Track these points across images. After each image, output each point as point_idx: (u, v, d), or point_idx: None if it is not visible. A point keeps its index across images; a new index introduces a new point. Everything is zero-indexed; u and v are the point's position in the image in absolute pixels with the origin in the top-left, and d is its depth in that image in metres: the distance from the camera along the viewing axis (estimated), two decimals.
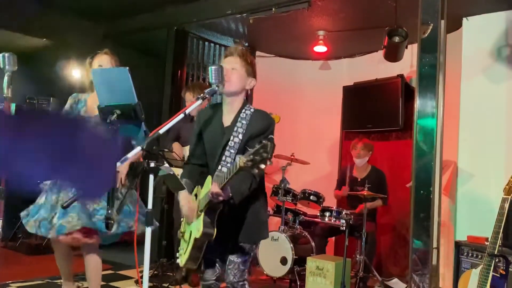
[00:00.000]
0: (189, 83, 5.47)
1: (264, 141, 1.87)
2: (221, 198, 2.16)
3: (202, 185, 2.38)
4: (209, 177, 2.33)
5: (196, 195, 2.39)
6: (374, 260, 4.96)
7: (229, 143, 2.31)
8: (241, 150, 2.25)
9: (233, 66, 2.37)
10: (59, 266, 3.15)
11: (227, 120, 2.40)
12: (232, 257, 2.36)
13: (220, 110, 2.44)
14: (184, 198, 2.35)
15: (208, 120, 2.45)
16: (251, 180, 2.22)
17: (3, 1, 4.93)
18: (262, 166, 1.85)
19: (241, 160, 1.91)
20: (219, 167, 2.30)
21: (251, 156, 1.87)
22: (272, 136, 1.92)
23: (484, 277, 2.92)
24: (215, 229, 2.21)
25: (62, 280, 3.23)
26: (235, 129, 2.32)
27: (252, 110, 2.38)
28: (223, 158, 2.31)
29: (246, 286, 2.38)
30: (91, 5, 5.44)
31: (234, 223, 2.33)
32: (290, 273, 4.39)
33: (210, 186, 2.22)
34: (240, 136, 2.30)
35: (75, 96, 3.15)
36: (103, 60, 3.04)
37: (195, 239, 2.23)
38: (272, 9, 4.59)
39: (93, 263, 3.00)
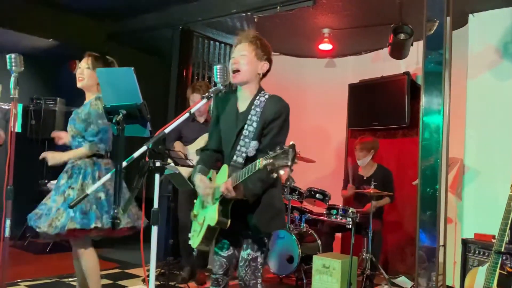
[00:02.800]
0: (194, 82, 5.49)
1: (285, 147, 1.85)
2: (231, 196, 2.15)
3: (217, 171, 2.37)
4: (225, 166, 2.30)
5: (210, 178, 2.36)
6: (381, 257, 4.95)
7: (243, 131, 2.28)
8: (257, 138, 2.24)
9: (241, 52, 2.33)
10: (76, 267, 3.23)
11: (241, 107, 2.36)
12: (244, 254, 2.33)
13: (235, 96, 2.41)
14: (199, 179, 2.30)
15: (224, 106, 2.42)
16: (265, 176, 2.18)
17: (9, 2, 4.96)
18: (281, 172, 1.84)
19: (261, 162, 1.91)
20: (234, 156, 2.27)
21: (271, 160, 1.86)
22: (293, 143, 1.88)
23: (491, 274, 2.91)
24: (229, 219, 2.19)
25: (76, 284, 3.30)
26: (249, 117, 2.28)
27: (266, 96, 2.33)
28: (238, 147, 2.28)
29: (259, 286, 2.33)
30: (96, 5, 5.46)
31: (246, 212, 2.28)
32: (296, 271, 4.39)
33: (226, 176, 2.21)
34: (255, 125, 2.26)
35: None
36: (81, 62, 3.14)
37: (209, 226, 2.22)
38: (277, 7, 4.59)
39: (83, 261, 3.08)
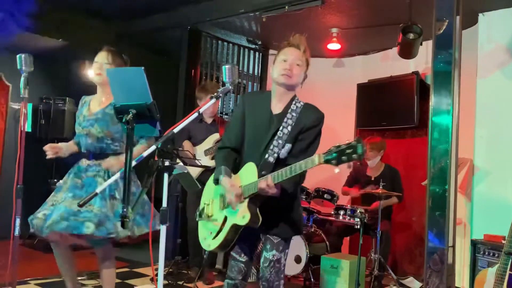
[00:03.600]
0: (203, 82, 5.50)
1: (352, 142, 1.87)
2: (270, 193, 2.13)
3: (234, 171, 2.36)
4: (252, 165, 2.28)
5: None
6: (390, 258, 4.93)
7: (278, 132, 2.29)
8: (290, 141, 2.27)
9: (297, 62, 2.35)
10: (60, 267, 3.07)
11: (276, 109, 2.37)
12: (268, 255, 2.31)
13: (269, 97, 2.41)
14: (230, 184, 2.26)
15: (254, 105, 2.42)
16: (298, 178, 2.21)
17: (18, 4, 5.00)
18: (347, 166, 1.91)
19: (320, 157, 1.92)
20: (266, 155, 2.27)
21: (334, 155, 1.89)
22: (359, 137, 1.91)
23: (500, 276, 2.89)
24: (260, 217, 2.19)
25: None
26: (285, 120, 2.30)
27: (302, 103, 2.38)
28: (271, 147, 2.28)
29: (281, 287, 2.34)
30: (105, 5, 5.49)
31: (270, 215, 2.27)
32: (304, 271, 4.39)
33: (255, 175, 2.20)
34: (289, 128, 2.28)
35: (82, 98, 3.16)
36: (99, 57, 3.02)
37: (235, 226, 2.22)
38: (285, 7, 4.58)
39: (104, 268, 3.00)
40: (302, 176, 2.23)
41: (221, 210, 2.36)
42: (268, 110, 2.37)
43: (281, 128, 2.29)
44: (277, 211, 2.31)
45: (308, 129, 2.29)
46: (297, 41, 2.40)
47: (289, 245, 2.40)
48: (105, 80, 2.94)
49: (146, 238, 2.22)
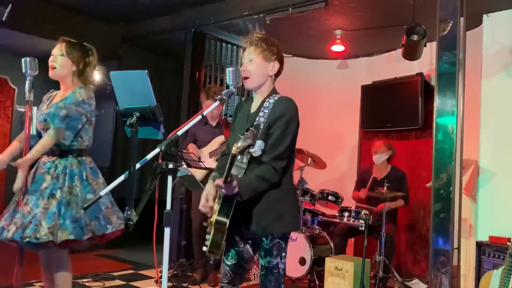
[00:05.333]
0: (207, 85, 5.52)
1: (251, 128, 1.89)
2: (223, 191, 2.06)
3: None
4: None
5: None
6: (395, 260, 4.92)
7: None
8: (262, 138, 2.16)
9: (249, 57, 2.30)
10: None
11: (253, 108, 2.36)
12: (263, 262, 2.25)
13: (252, 100, 2.40)
14: (205, 192, 2.27)
15: (241, 110, 2.43)
16: (270, 174, 2.15)
17: (25, 6, 5.04)
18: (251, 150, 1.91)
19: (234, 147, 1.92)
20: (239, 156, 2.20)
21: (241, 143, 1.90)
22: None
23: (505, 278, 2.88)
24: (228, 218, 2.11)
25: None
26: (257, 118, 2.25)
27: (276, 98, 2.29)
28: None
29: None
30: (109, 8, 5.52)
31: (249, 211, 2.20)
32: (309, 273, 4.38)
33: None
34: (261, 125, 2.22)
35: (50, 91, 3.03)
36: (54, 48, 2.85)
37: (214, 222, 2.16)
38: (289, 9, 4.59)
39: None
40: (275, 172, 2.16)
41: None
42: (248, 111, 2.36)
43: (251, 127, 2.22)
44: (257, 207, 2.21)
45: (275, 121, 2.20)
46: (247, 41, 2.33)
47: (286, 248, 2.27)
48: (59, 74, 2.82)
49: (152, 239, 2.21)
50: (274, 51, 2.33)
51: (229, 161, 2.00)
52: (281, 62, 2.37)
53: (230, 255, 2.35)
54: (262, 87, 2.34)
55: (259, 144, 2.17)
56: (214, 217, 2.17)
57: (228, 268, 2.34)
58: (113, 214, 2.82)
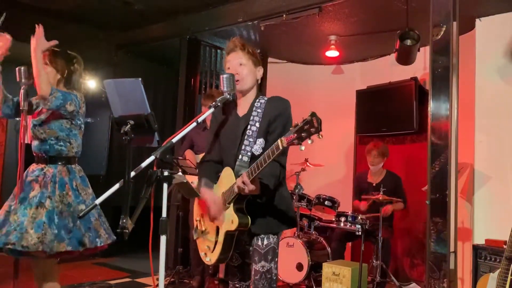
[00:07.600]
0: (202, 91, 5.52)
1: (307, 118, 1.84)
2: (248, 190, 2.08)
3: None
4: (228, 169, 2.28)
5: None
6: (392, 264, 4.92)
7: (246, 131, 2.28)
8: (262, 136, 2.24)
9: (240, 61, 2.34)
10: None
11: (242, 111, 2.38)
12: (257, 266, 2.26)
13: (234, 104, 2.42)
14: (210, 199, 2.28)
15: (222, 116, 2.44)
16: (279, 170, 2.19)
17: (19, 14, 5.03)
18: (309, 142, 1.85)
19: (282, 141, 1.89)
20: (240, 156, 2.26)
21: (295, 135, 1.85)
22: (313, 112, 1.85)
23: (502, 281, 2.88)
24: (249, 217, 2.17)
25: None
26: (251, 118, 2.29)
27: (265, 98, 2.36)
28: (243, 147, 2.27)
29: None
30: (104, 16, 5.52)
31: (254, 214, 2.23)
32: (306, 279, 4.38)
33: (233, 177, 2.19)
34: (257, 124, 2.26)
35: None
36: None
37: (227, 233, 2.20)
38: (283, 15, 4.61)
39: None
40: (282, 168, 2.21)
41: (212, 223, 2.36)
42: (235, 114, 2.39)
43: (248, 126, 2.28)
44: (261, 208, 2.25)
45: (276, 118, 2.26)
46: (232, 46, 2.38)
47: (278, 253, 2.32)
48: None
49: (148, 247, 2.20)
50: (257, 57, 2.41)
51: (267, 157, 1.98)
52: (262, 68, 2.45)
53: (235, 257, 2.40)
54: (250, 91, 2.39)
55: (260, 141, 2.24)
56: (227, 224, 2.20)
57: (235, 269, 2.42)
58: (100, 226, 2.81)
